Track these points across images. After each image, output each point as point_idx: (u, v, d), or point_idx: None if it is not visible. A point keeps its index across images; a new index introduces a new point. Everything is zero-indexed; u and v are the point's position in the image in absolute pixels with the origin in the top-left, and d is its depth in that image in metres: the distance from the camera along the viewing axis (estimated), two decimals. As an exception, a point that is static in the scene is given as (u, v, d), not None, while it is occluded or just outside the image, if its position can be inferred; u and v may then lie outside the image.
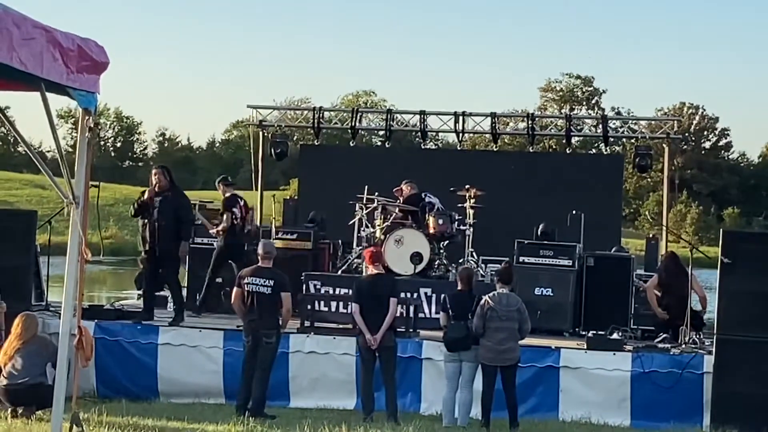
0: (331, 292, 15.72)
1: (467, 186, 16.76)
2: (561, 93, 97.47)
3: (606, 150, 24.18)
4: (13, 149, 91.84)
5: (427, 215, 16.53)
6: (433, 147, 48.59)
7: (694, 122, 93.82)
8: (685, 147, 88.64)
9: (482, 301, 12.21)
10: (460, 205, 16.87)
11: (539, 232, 16.83)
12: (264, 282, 12.39)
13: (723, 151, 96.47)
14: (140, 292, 17.54)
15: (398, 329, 13.08)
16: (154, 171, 15.03)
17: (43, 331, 12.77)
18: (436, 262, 16.30)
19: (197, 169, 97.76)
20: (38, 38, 6.65)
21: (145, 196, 14.77)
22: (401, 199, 17.14)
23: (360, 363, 12.88)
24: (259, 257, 12.66)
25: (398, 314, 12.94)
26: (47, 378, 11.71)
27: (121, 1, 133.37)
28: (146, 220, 14.79)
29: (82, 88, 7.40)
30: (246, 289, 12.43)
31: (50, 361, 11.49)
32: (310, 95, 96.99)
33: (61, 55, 6.94)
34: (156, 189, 14.75)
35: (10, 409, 11.59)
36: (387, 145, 24.05)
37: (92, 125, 7.70)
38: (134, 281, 18.90)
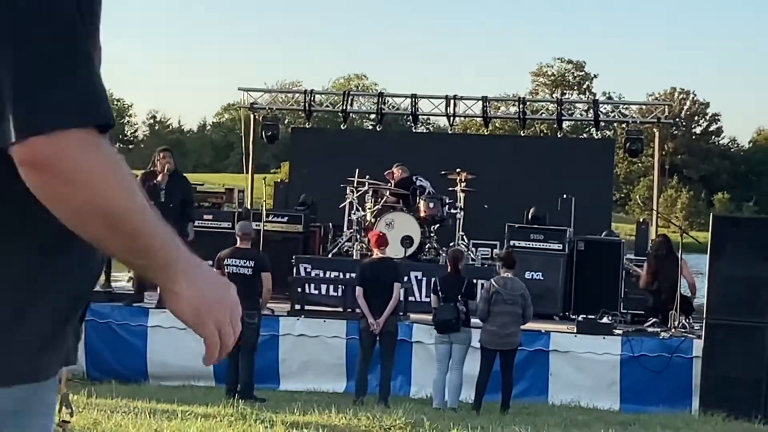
0: (321, 275, 15.71)
1: (458, 169, 16.74)
2: (552, 77, 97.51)
3: (597, 134, 24.20)
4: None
5: (417, 199, 16.52)
6: (425, 130, 48.69)
7: (685, 107, 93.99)
8: (675, 132, 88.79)
9: (487, 285, 12.24)
10: (450, 188, 16.86)
11: (530, 216, 16.84)
12: (244, 263, 12.45)
13: (713, 137, 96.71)
14: (131, 274, 17.52)
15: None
16: (162, 154, 15.01)
17: None
18: (427, 246, 16.29)
19: (188, 152, 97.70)
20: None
21: (159, 178, 14.76)
22: (392, 182, 17.13)
23: (359, 346, 12.84)
24: (238, 238, 12.69)
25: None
26: None
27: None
28: (153, 203, 14.76)
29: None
30: (226, 270, 12.47)
31: None
32: (301, 78, 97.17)
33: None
34: (166, 171, 14.79)
35: None
36: (378, 129, 24.00)
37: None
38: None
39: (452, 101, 22.05)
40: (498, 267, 12.84)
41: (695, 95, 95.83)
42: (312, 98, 22.66)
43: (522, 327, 12.54)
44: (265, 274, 12.47)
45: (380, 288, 12.47)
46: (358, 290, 12.66)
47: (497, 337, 12.17)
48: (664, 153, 65.05)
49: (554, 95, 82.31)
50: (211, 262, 13.35)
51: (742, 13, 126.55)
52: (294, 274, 15.41)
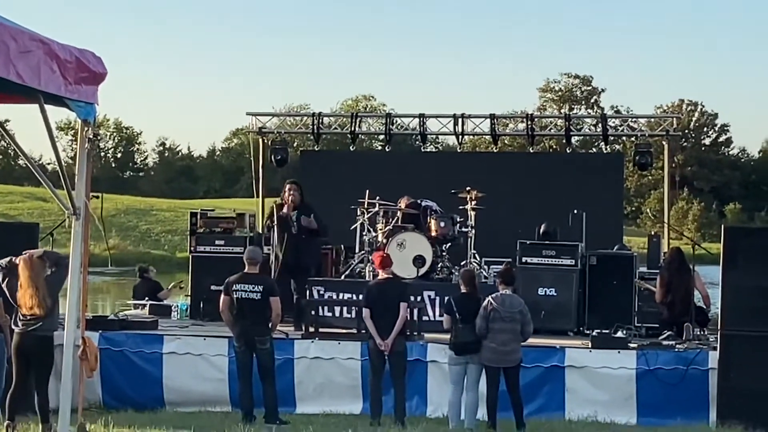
0: (334, 297, 15.71)
1: (468, 188, 16.75)
2: (560, 93, 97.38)
3: (606, 149, 24.20)
4: (13, 162, 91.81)
5: (428, 218, 16.54)
6: (433, 150, 48.73)
7: (694, 119, 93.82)
8: (685, 144, 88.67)
9: (485, 302, 12.23)
10: (461, 207, 16.86)
11: (541, 232, 16.80)
12: (253, 288, 12.50)
13: (723, 147, 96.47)
14: (137, 302, 17.58)
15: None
16: (288, 186, 15.56)
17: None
18: (439, 265, 16.30)
19: (198, 178, 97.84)
20: (35, 51, 6.66)
21: (284, 210, 15.33)
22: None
23: (369, 367, 12.89)
24: (246, 263, 12.74)
25: (403, 317, 12.94)
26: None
27: (118, 10, 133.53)
28: (285, 234, 15.22)
29: (81, 99, 7.41)
30: (234, 296, 12.52)
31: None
32: (309, 101, 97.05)
33: (58, 67, 6.95)
34: (292, 204, 15.37)
35: (6, 423, 11.45)
36: (387, 149, 24.00)
37: (91, 136, 7.70)
38: (133, 291, 18.92)
39: (460, 120, 22.02)
40: (497, 283, 12.83)
41: (703, 106, 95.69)
42: (320, 121, 22.62)
43: (534, 343, 12.52)
44: (273, 298, 12.54)
45: (387, 308, 12.51)
46: (365, 311, 12.70)
47: (498, 354, 12.14)
48: (674, 165, 65.07)
49: (562, 110, 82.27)
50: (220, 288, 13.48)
51: (747, 23, 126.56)
52: (307, 297, 15.43)
